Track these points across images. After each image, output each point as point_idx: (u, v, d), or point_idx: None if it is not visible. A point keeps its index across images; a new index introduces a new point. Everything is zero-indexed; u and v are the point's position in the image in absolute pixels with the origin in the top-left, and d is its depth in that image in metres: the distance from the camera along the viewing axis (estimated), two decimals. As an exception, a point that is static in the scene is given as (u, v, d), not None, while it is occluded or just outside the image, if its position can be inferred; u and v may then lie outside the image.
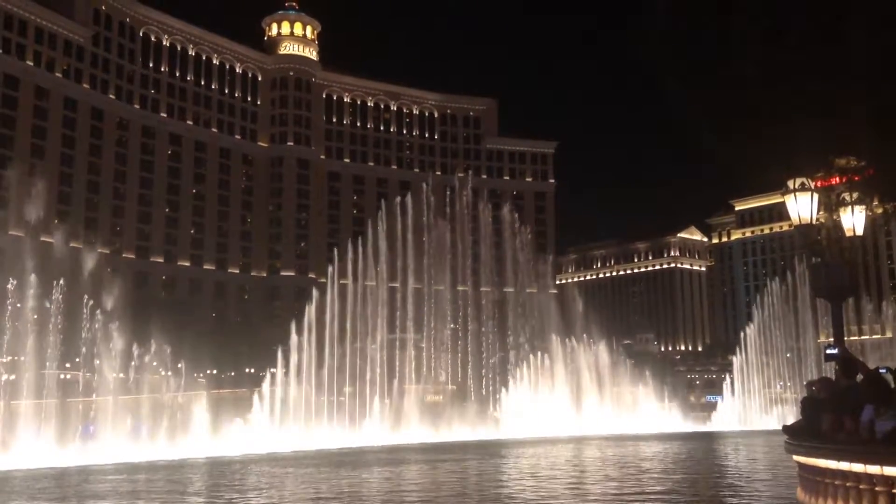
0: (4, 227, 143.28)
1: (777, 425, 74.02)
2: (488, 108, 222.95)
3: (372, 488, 40.65)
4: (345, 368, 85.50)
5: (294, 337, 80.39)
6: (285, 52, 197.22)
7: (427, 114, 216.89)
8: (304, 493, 38.23)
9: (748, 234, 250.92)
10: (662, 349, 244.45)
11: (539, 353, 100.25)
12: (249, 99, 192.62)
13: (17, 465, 55.31)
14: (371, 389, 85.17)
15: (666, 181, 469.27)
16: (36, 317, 66.49)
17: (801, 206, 22.06)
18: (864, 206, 23.23)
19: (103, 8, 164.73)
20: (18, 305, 66.33)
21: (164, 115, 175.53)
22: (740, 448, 65.11)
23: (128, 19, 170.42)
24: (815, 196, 22.20)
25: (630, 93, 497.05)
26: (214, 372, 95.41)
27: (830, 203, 23.17)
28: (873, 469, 14.26)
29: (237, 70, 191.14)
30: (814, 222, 22.32)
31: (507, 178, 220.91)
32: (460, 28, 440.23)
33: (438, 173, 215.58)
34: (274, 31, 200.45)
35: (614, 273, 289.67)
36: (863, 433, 14.87)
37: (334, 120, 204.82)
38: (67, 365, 78.56)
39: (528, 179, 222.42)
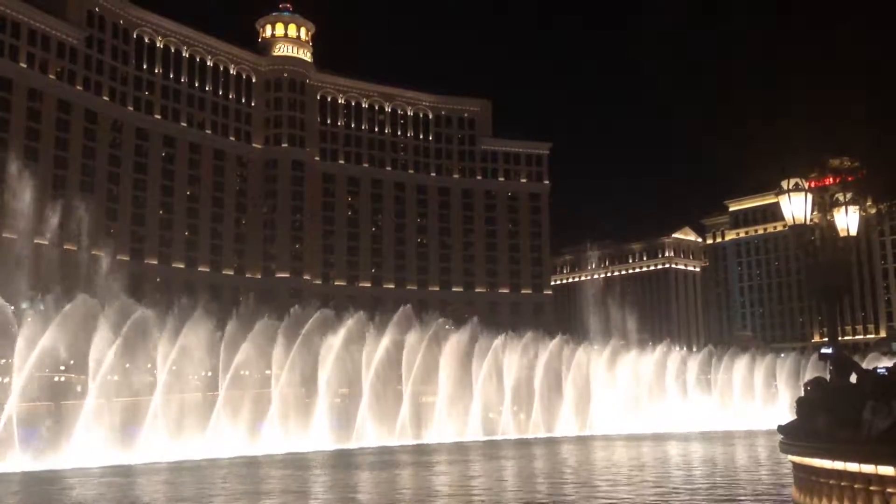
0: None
1: None
2: (483, 109, 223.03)
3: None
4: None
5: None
6: (279, 53, 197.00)
7: (421, 115, 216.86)
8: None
9: (742, 235, 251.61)
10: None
11: None
12: (243, 100, 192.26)
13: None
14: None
15: (661, 182, 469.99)
16: (30, 319, 66.18)
17: (795, 207, 22.10)
18: (857, 207, 23.29)
19: (97, 10, 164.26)
20: (12, 308, 66.04)
21: (158, 116, 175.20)
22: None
23: (121, 21, 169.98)
24: (809, 196, 22.23)
25: (625, 93, 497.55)
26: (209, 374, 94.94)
27: (824, 203, 23.20)
28: (868, 468, 14.28)
29: (231, 72, 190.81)
30: (808, 223, 22.35)
31: (501, 179, 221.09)
32: (454, 29, 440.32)
33: (433, 174, 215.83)
34: (268, 32, 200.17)
35: (609, 274, 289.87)
36: (869, 430, 14.89)
37: (329, 121, 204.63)
38: (62, 367, 78.29)
39: (523, 180, 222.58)
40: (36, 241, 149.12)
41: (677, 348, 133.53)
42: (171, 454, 63.45)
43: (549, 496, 37.83)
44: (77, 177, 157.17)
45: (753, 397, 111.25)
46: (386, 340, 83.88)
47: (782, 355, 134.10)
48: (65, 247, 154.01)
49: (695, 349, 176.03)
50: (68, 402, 72.54)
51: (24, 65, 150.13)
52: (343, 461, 60.39)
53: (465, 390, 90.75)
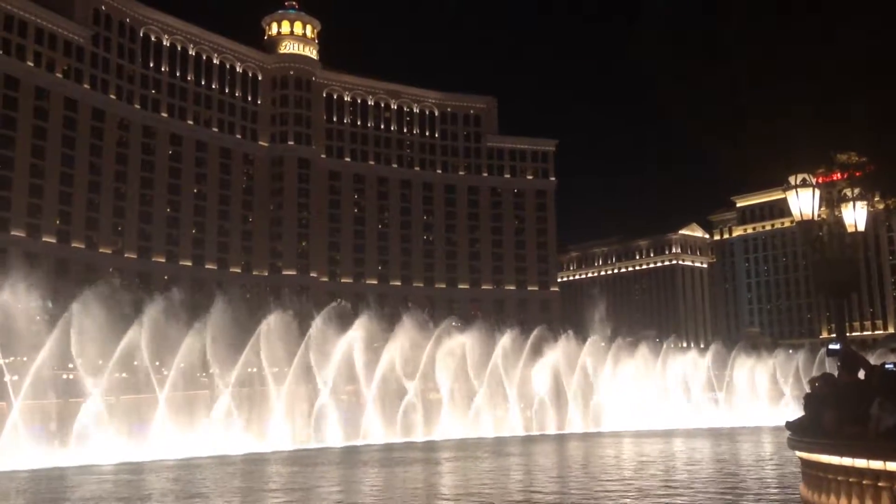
0: (6, 227, 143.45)
1: None
2: (488, 106, 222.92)
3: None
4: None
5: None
6: (285, 51, 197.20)
7: (427, 112, 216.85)
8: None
9: (749, 231, 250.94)
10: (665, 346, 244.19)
11: None
12: (250, 98, 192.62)
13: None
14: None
15: (667, 178, 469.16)
16: (38, 318, 66.45)
17: (803, 203, 22.03)
18: (865, 202, 23.22)
19: (103, 8, 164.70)
20: (19, 306, 66.26)
21: (165, 114, 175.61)
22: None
23: (128, 19, 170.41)
24: (817, 192, 22.17)
25: (631, 89, 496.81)
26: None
27: (832, 199, 23.15)
28: (876, 465, 14.25)
29: (237, 69, 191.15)
30: (815, 218, 22.29)
31: (507, 176, 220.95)
32: (460, 25, 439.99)
33: (439, 172, 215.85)
34: (274, 30, 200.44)
35: (616, 271, 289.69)
36: (876, 426, 14.85)
37: (335, 119, 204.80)
38: (70, 365, 78.61)
39: (529, 177, 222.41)
40: (44, 238, 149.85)
41: (684, 345, 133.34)
42: (178, 451, 63.65)
43: (559, 493, 37.86)
44: (84, 175, 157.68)
45: (762, 395, 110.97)
46: (398, 341, 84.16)
47: (790, 351, 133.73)
48: (73, 244, 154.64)
49: (702, 345, 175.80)
50: (77, 399, 72.73)
51: (30, 63, 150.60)
52: (351, 458, 60.52)
53: (472, 388, 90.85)
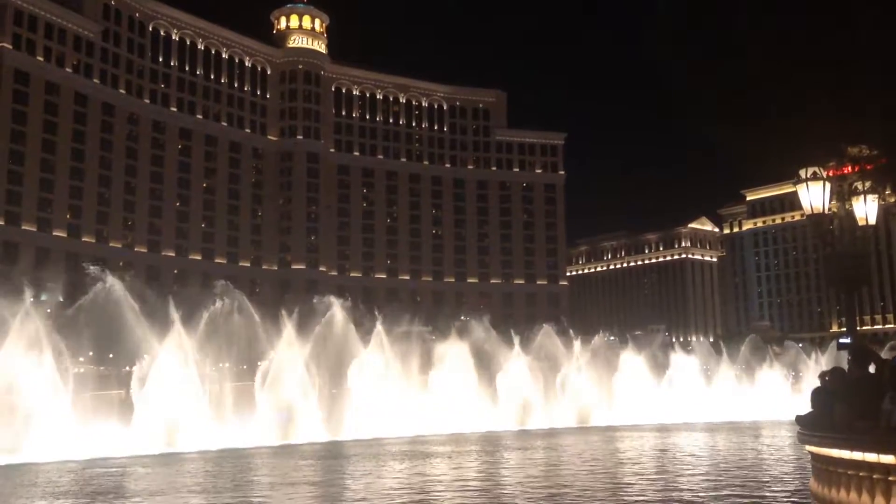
0: (17, 221, 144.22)
1: None
2: (497, 100, 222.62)
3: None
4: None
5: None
6: (294, 45, 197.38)
7: (436, 106, 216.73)
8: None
9: (760, 225, 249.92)
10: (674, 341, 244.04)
11: None
12: (259, 93, 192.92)
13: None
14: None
15: (677, 171, 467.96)
16: (49, 310, 66.72)
17: (814, 196, 21.96)
18: (876, 196, 23.14)
19: (113, 3, 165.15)
20: (31, 300, 66.56)
21: (175, 109, 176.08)
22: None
23: (137, 14, 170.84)
24: (828, 185, 22.10)
25: (641, 83, 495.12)
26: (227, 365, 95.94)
27: (843, 192, 23.09)
28: (887, 459, 14.22)
29: (246, 64, 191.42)
30: (826, 212, 22.23)
31: (516, 169, 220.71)
32: (468, 20, 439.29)
33: (448, 165, 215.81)
34: (283, 24, 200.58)
35: (625, 264, 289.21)
36: (887, 421, 14.81)
37: (343, 113, 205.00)
38: (81, 359, 79.11)
39: (538, 171, 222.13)
40: (55, 232, 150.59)
41: (693, 339, 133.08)
42: (194, 444, 63.87)
43: (574, 486, 37.96)
44: (94, 169, 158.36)
45: (773, 389, 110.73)
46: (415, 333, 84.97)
47: (800, 345, 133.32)
48: (83, 239, 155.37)
49: (711, 339, 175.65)
50: (91, 393, 73.13)
51: (41, 58, 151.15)
52: (370, 451, 60.62)
53: (490, 383, 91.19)
